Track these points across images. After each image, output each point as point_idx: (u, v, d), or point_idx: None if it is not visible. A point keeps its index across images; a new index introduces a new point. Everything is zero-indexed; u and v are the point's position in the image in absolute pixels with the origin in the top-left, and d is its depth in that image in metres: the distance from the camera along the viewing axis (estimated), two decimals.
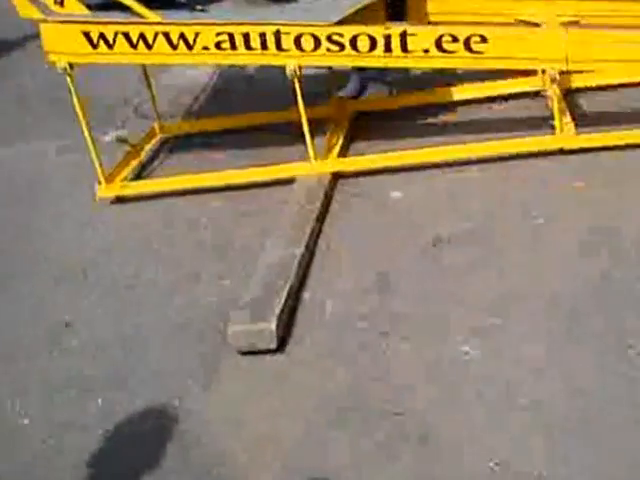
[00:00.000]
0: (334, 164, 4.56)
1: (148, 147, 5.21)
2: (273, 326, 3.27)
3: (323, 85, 5.18)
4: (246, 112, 5.39)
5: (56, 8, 4.40)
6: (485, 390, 2.90)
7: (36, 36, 6.34)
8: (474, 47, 4.22)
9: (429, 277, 3.58)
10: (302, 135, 4.43)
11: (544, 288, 3.37)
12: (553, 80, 4.23)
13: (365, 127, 5.06)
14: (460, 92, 5.14)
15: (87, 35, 4.37)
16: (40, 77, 6.46)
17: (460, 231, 3.86)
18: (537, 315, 3.22)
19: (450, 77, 5.10)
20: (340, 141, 4.75)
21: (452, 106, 5.12)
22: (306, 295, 3.61)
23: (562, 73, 4.29)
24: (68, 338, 3.64)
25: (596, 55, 4.22)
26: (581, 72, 4.74)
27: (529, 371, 2.95)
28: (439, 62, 4.33)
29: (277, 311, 3.33)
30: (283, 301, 3.41)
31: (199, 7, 4.50)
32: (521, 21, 4.89)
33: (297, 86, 4.34)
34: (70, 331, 3.68)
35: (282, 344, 3.30)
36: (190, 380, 3.22)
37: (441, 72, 4.99)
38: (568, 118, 4.41)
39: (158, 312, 3.70)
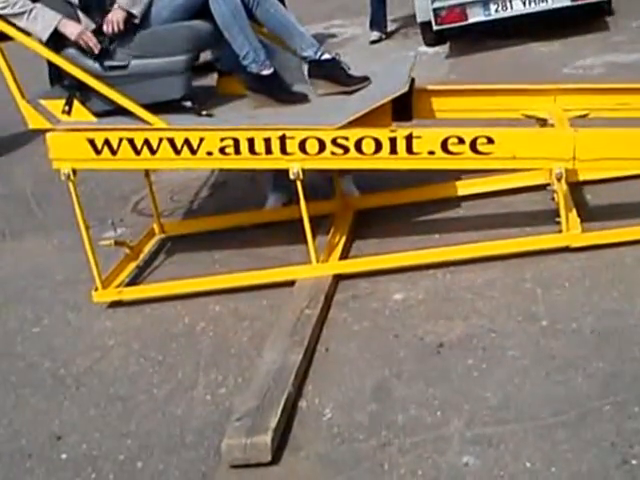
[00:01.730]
0: (335, 267, 4.63)
1: (147, 248, 5.31)
2: (268, 440, 3.29)
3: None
4: (247, 209, 5.51)
5: (64, 117, 4.57)
6: None
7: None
8: (480, 148, 4.33)
9: (430, 385, 3.59)
10: (304, 233, 4.50)
11: (547, 397, 3.38)
12: (559, 179, 4.30)
13: (367, 224, 5.15)
14: (465, 187, 5.25)
15: (91, 142, 4.52)
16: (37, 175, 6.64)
17: (463, 336, 3.90)
18: (538, 424, 3.23)
19: (454, 172, 5.17)
20: (342, 241, 4.82)
21: (456, 201, 5.21)
22: (303, 403, 3.63)
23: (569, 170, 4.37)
24: (58, 451, 3.66)
25: (604, 154, 4.32)
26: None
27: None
28: (445, 163, 4.44)
29: (273, 425, 3.35)
30: (279, 413, 3.42)
31: (205, 112, 4.65)
32: (528, 116, 5.03)
33: (300, 189, 4.44)
34: (61, 444, 3.71)
35: (277, 454, 3.31)
36: None
37: None
38: (574, 215, 4.46)
39: (151, 424, 3.72)
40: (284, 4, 5.20)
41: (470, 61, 8.71)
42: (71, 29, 4.48)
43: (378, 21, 10.43)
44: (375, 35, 10.40)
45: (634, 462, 2.94)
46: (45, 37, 4.46)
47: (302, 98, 4.78)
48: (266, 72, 4.72)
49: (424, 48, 9.53)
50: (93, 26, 4.55)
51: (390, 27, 10.67)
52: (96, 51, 4.49)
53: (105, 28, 4.50)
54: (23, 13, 4.43)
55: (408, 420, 3.39)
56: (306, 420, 3.53)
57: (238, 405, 3.58)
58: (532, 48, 8.69)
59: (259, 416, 3.42)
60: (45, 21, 4.46)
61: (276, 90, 4.76)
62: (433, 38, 9.46)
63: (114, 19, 4.48)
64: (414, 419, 3.40)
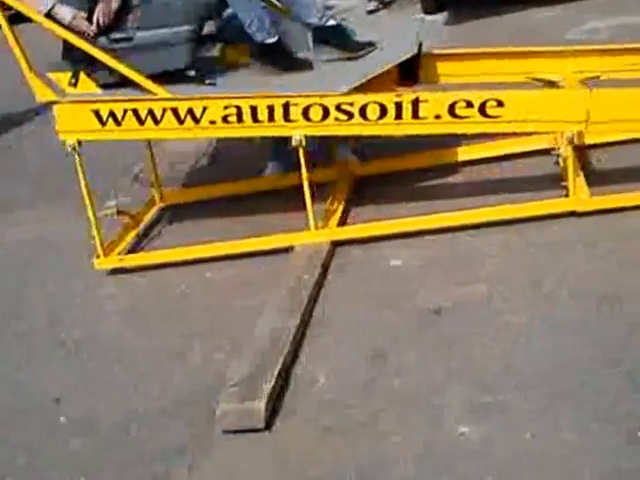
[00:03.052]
0: (334, 233, 4.56)
1: (147, 217, 5.28)
2: (262, 406, 3.23)
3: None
4: (247, 177, 5.46)
5: (70, 89, 4.61)
6: (478, 473, 2.81)
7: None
8: (490, 112, 4.23)
9: (427, 351, 3.51)
10: (303, 200, 4.44)
11: (547, 363, 3.29)
12: (570, 142, 4.21)
13: (367, 190, 5.08)
14: (468, 152, 5.16)
15: (97, 113, 4.53)
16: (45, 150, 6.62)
17: (462, 301, 3.81)
18: (539, 393, 3.14)
19: (455, 137, 5.05)
20: (340, 208, 4.77)
21: (460, 167, 5.12)
22: (298, 369, 3.57)
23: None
24: (57, 414, 3.64)
25: (619, 115, 4.22)
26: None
27: (528, 452, 2.87)
28: (453, 128, 4.35)
29: (267, 391, 3.30)
30: (274, 379, 3.37)
31: (208, 81, 4.64)
32: (537, 80, 4.92)
33: (302, 156, 4.39)
34: (60, 407, 3.69)
35: (271, 420, 3.26)
36: (176, 458, 3.19)
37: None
38: (581, 179, 4.38)
39: (148, 388, 3.69)
40: None
41: (469, 28, 8.55)
42: (63, 14, 4.51)
43: None
44: (372, 5, 10.26)
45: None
46: (43, 11, 4.48)
47: (306, 65, 4.75)
48: (270, 40, 4.68)
49: (423, 15, 9.38)
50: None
51: None
52: (91, 34, 4.53)
53: (96, 18, 4.53)
54: None
55: (403, 387, 3.32)
56: (300, 386, 3.47)
57: (233, 371, 3.53)
58: (533, 13, 8.52)
59: (253, 382, 3.37)
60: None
61: (280, 58, 4.73)
62: (432, 6, 9.28)
63: (105, 10, 4.52)
64: (410, 386, 3.32)
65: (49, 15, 4.49)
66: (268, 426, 3.23)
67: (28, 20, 4.60)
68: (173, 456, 3.21)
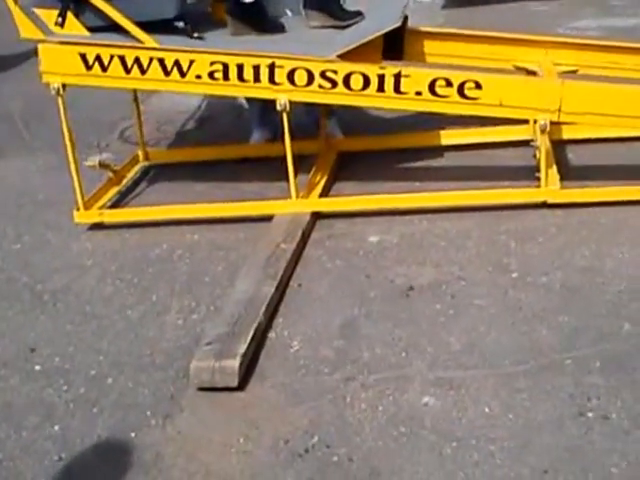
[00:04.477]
0: (314, 204, 4.71)
1: (130, 174, 5.38)
2: (236, 365, 3.39)
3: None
4: (233, 143, 5.60)
5: (56, 29, 4.56)
6: (438, 442, 3.02)
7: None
8: (468, 93, 4.36)
9: (397, 326, 3.70)
10: (286, 171, 4.58)
11: (510, 346, 3.50)
12: (543, 131, 4.37)
13: (350, 167, 5.25)
14: (449, 137, 5.35)
15: (83, 56, 4.52)
16: (27, 96, 6.70)
17: (433, 281, 4.01)
18: (499, 371, 3.36)
19: (440, 121, 5.27)
20: (323, 180, 4.91)
21: (440, 150, 5.31)
22: (272, 334, 3.74)
23: (553, 124, 4.42)
24: (32, 363, 3.76)
25: (590, 108, 4.35)
26: (573, 123, 4.83)
27: (485, 425, 3.08)
28: (431, 106, 4.46)
29: (241, 351, 3.45)
30: (249, 340, 3.53)
31: (196, 34, 4.65)
32: (518, 67, 5.10)
33: (285, 121, 4.49)
34: (34, 356, 3.81)
35: (244, 381, 3.43)
36: (149, 412, 3.34)
37: (432, 115, 5.06)
38: (554, 171, 4.55)
39: (123, 343, 3.82)
40: None
41: (465, 13, 8.75)
42: None
43: None
44: None
45: (590, 414, 3.06)
46: None
47: (281, 29, 4.81)
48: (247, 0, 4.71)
49: None
50: None
51: None
52: None
53: None
54: None
55: (373, 358, 3.51)
56: (274, 351, 3.64)
57: (208, 331, 3.68)
58: (529, 6, 8.75)
59: (228, 342, 3.53)
60: None
61: (255, 19, 4.77)
62: None
63: None
64: (379, 357, 3.51)
65: None
66: (241, 386, 3.39)
67: None
68: (147, 408, 3.36)
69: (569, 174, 4.68)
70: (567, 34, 6.64)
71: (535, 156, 4.69)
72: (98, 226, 4.90)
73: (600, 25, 7.81)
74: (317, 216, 4.69)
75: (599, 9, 8.38)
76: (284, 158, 4.57)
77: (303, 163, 4.87)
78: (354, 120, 5.59)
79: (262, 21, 4.81)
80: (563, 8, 8.52)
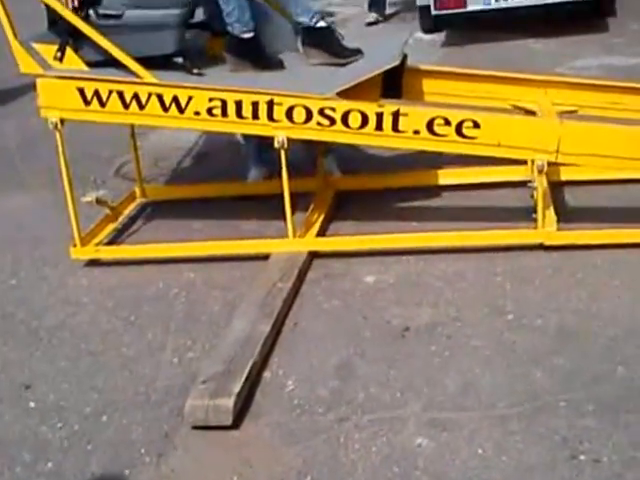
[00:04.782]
0: (311, 243, 4.77)
1: (127, 211, 5.45)
2: (231, 404, 3.45)
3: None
4: (230, 180, 5.67)
5: (55, 64, 4.62)
6: None
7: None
8: (466, 132, 4.41)
9: (393, 366, 3.76)
10: (283, 209, 4.64)
11: (505, 388, 3.55)
12: (541, 171, 4.42)
13: (347, 205, 5.32)
14: (446, 177, 5.40)
15: (81, 91, 4.58)
16: (25, 132, 6.80)
17: (429, 322, 4.08)
18: (494, 413, 3.41)
19: (438, 160, 5.33)
20: (320, 219, 4.97)
21: (437, 190, 5.37)
22: (268, 373, 3.80)
23: (551, 164, 4.47)
24: (27, 400, 3.81)
25: (588, 149, 4.40)
26: (571, 164, 4.87)
27: (478, 466, 3.14)
28: (429, 144, 4.52)
29: (236, 390, 3.51)
30: (244, 380, 3.59)
31: (195, 70, 4.72)
32: (516, 107, 5.16)
33: (283, 159, 4.54)
34: (30, 393, 3.86)
35: (238, 420, 3.48)
36: (143, 450, 3.39)
37: (429, 153, 5.08)
38: (551, 212, 4.60)
39: (118, 380, 3.88)
40: None
41: (464, 51, 8.87)
42: None
43: (377, 3, 10.57)
44: (372, 17, 10.54)
45: (582, 457, 3.11)
46: None
47: (279, 66, 4.86)
48: (247, 35, 4.78)
49: (420, 34, 9.68)
50: None
51: (388, 10, 10.82)
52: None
53: None
54: None
55: (367, 398, 3.57)
56: (269, 390, 3.70)
57: (204, 369, 3.74)
58: (528, 44, 8.86)
59: (223, 381, 3.59)
60: None
61: (253, 55, 4.82)
62: (430, 24, 9.62)
63: None
64: (373, 398, 3.57)
65: None
66: (236, 425, 3.45)
67: None
68: (141, 446, 3.41)
69: (566, 215, 4.75)
70: (566, 74, 6.72)
71: (532, 196, 4.75)
72: (95, 262, 4.96)
73: (600, 64, 7.91)
74: (314, 255, 4.75)
75: (599, 47, 8.48)
76: (281, 196, 4.64)
77: (300, 200, 4.94)
78: (352, 158, 5.67)
79: (260, 58, 4.86)
80: (563, 46, 8.62)
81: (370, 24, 10.46)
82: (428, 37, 9.55)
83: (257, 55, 4.85)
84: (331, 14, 10.95)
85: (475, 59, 8.22)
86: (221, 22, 4.89)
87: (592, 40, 8.75)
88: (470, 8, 9.07)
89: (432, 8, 9.08)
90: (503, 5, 9.02)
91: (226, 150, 6.10)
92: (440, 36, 9.59)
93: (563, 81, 5.28)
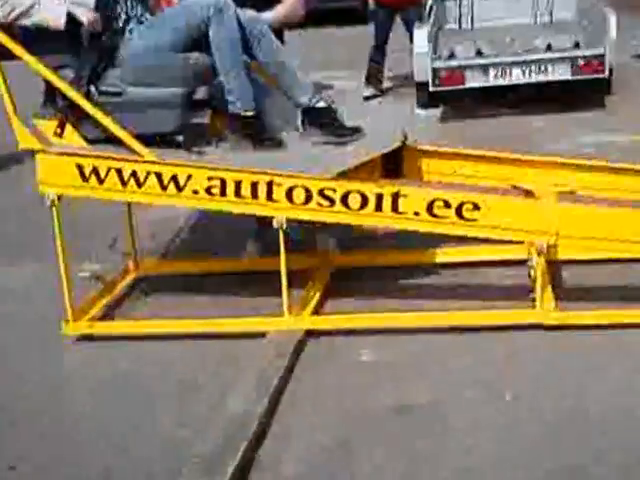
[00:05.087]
0: (308, 321, 4.78)
1: (121, 285, 5.47)
2: None
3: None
4: (226, 256, 5.71)
5: (55, 139, 4.66)
6: None
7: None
8: (466, 214, 4.45)
9: (390, 446, 3.76)
10: (279, 284, 4.65)
11: (502, 470, 3.55)
12: (540, 252, 4.45)
13: (344, 282, 5.34)
14: (444, 255, 5.43)
15: (80, 168, 4.62)
16: (20, 201, 6.86)
17: (427, 402, 4.08)
18: None
19: (436, 237, 5.32)
20: (317, 296, 5.00)
21: (435, 268, 5.41)
22: (262, 452, 3.78)
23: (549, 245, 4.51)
24: None
25: (588, 232, 4.45)
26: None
27: None
28: (429, 226, 4.56)
29: (230, 469, 3.51)
30: (238, 459, 3.58)
31: (195, 149, 4.76)
32: (515, 187, 5.20)
33: (282, 238, 4.56)
34: (15, 474, 3.81)
35: None
36: None
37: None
38: (550, 292, 4.64)
39: (108, 460, 3.84)
40: (282, 40, 5.33)
41: (461, 127, 8.98)
42: (81, 10, 4.57)
43: (374, 76, 10.74)
44: (370, 91, 10.69)
45: None
46: (63, 22, 4.50)
47: (279, 145, 4.86)
48: (248, 114, 4.81)
49: (417, 109, 9.80)
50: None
51: (385, 84, 10.96)
52: (99, 29, 4.63)
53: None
54: (32, 6, 4.47)
55: (365, 479, 3.57)
56: (263, 469, 3.68)
57: (197, 447, 3.73)
58: (525, 120, 8.98)
59: (217, 459, 3.58)
60: (56, 8, 4.53)
61: (255, 134, 4.84)
62: (428, 100, 9.70)
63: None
64: (371, 479, 3.57)
65: (70, 22, 4.51)
66: None
67: (15, 57, 4.54)
68: None
69: (564, 293, 4.79)
70: (564, 154, 6.78)
71: (530, 275, 4.78)
72: (88, 337, 4.95)
73: (596, 141, 8.01)
74: (311, 331, 4.77)
75: (595, 125, 8.60)
76: (278, 271, 4.65)
77: (297, 276, 4.96)
78: (349, 234, 5.70)
79: (262, 136, 4.88)
80: (560, 123, 8.74)
81: (367, 98, 10.61)
82: (425, 112, 9.65)
83: (258, 133, 4.87)
84: (328, 86, 11.11)
85: (473, 135, 8.35)
86: (223, 100, 4.93)
87: (590, 118, 8.89)
88: (469, 85, 9.19)
89: (430, 85, 9.16)
90: (502, 82, 9.13)
91: (221, 224, 6.13)
92: (437, 111, 9.69)
93: (562, 162, 5.31)
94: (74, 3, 4.58)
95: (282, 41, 5.30)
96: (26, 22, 4.51)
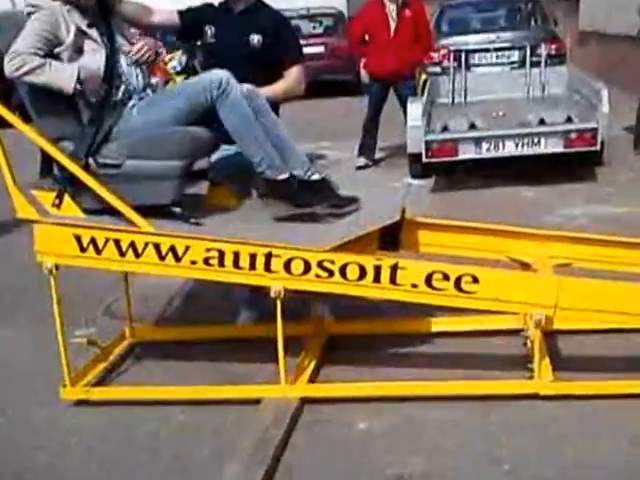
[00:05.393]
0: (303, 389, 4.75)
1: (117, 350, 5.44)
2: None
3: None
4: (220, 323, 5.70)
5: (53, 210, 4.66)
6: None
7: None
8: (464, 287, 4.45)
9: None
10: (275, 351, 4.62)
11: None
12: (537, 324, 4.45)
13: (339, 350, 5.33)
14: (439, 324, 5.42)
15: (78, 238, 4.61)
16: (16, 266, 6.85)
17: (423, 471, 4.05)
18: None
19: (430, 306, 5.34)
20: (312, 364, 4.97)
21: (429, 337, 5.40)
22: None
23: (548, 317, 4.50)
24: None
25: (587, 305, 4.46)
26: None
27: None
28: (427, 298, 4.55)
29: None
30: None
31: (193, 220, 4.75)
32: (512, 259, 5.24)
33: (279, 309, 4.55)
34: None
35: None
36: None
37: None
38: (547, 363, 4.63)
39: None
40: (277, 113, 5.34)
41: (453, 198, 9.03)
42: (90, 73, 4.59)
43: (367, 147, 10.81)
44: (362, 161, 10.76)
45: None
46: (72, 86, 4.51)
47: (323, 203, 4.82)
48: (282, 176, 4.79)
49: (409, 179, 9.85)
50: None
51: (378, 154, 11.03)
52: (99, 98, 4.64)
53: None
54: (44, 65, 4.46)
55: None
56: None
57: None
58: (518, 191, 9.02)
59: None
60: (67, 70, 4.53)
61: (294, 193, 4.81)
62: (420, 170, 9.76)
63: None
64: None
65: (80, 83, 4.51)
66: None
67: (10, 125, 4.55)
68: None
69: (560, 363, 4.77)
70: (558, 225, 6.84)
71: (525, 344, 4.78)
72: (84, 402, 4.92)
73: (589, 212, 8.05)
74: (306, 399, 4.73)
75: (586, 196, 8.65)
76: (272, 339, 4.63)
77: (292, 343, 4.91)
78: (344, 302, 5.68)
79: (301, 195, 4.81)
80: (553, 194, 8.79)
81: (360, 168, 10.67)
82: (417, 182, 9.69)
83: (298, 193, 4.82)
84: (321, 157, 11.19)
85: (465, 206, 8.38)
86: (220, 172, 5.07)
87: (581, 189, 8.94)
88: (462, 157, 9.24)
89: (424, 156, 9.21)
90: (494, 155, 9.20)
91: (216, 290, 6.13)
92: (429, 181, 9.74)
93: (558, 235, 5.35)
94: (83, 68, 4.58)
95: (277, 113, 5.32)
96: (34, 80, 4.48)
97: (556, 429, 4.34)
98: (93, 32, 4.69)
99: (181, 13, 5.43)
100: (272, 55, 5.28)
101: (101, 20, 4.76)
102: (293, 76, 5.36)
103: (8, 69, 4.45)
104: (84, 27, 4.66)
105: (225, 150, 5.15)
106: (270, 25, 5.34)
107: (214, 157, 5.26)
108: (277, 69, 5.31)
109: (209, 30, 5.36)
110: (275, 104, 5.31)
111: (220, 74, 4.73)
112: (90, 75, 4.59)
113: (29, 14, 4.65)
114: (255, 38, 5.27)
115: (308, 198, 4.84)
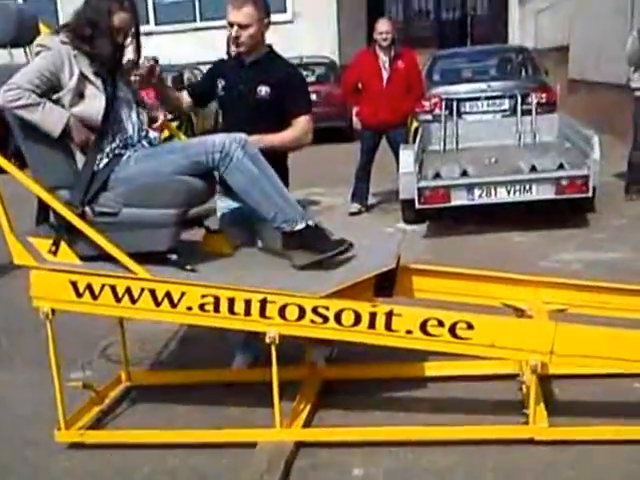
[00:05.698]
0: (298, 434, 4.73)
1: (112, 394, 5.42)
2: None
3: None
4: (215, 367, 5.67)
5: (49, 257, 4.65)
6: None
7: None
8: (460, 333, 4.43)
9: None
10: (269, 395, 4.60)
11: None
12: (533, 370, 4.43)
13: (334, 394, 5.30)
14: (434, 369, 5.41)
15: (74, 284, 4.61)
16: (10, 309, 6.82)
17: None
18: None
19: (425, 351, 5.33)
20: (307, 409, 4.94)
21: (424, 382, 5.37)
22: None
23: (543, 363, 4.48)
24: None
25: (583, 351, 4.44)
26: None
27: None
28: (422, 344, 4.52)
29: None
30: None
31: (189, 267, 4.73)
32: (507, 305, 5.23)
33: (274, 354, 4.53)
34: None
35: None
36: None
37: None
38: (542, 408, 4.61)
39: None
40: (285, 161, 5.47)
41: (446, 243, 9.03)
42: (77, 129, 4.60)
43: (360, 193, 10.81)
44: (355, 207, 10.76)
45: None
46: (58, 131, 4.54)
47: (343, 246, 4.75)
48: (299, 227, 4.76)
49: (402, 225, 9.87)
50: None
51: (370, 200, 11.04)
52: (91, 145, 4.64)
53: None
54: (38, 104, 4.48)
55: None
56: None
57: None
58: (510, 237, 9.03)
59: None
60: (58, 114, 4.54)
61: (315, 241, 4.77)
62: (413, 216, 9.77)
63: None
64: None
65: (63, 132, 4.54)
66: None
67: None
68: None
69: (556, 408, 4.75)
70: (550, 271, 6.84)
71: (521, 389, 4.76)
72: (78, 445, 4.88)
73: (582, 258, 8.06)
74: (301, 443, 4.71)
75: (579, 242, 8.66)
76: (267, 383, 4.61)
77: (287, 387, 4.92)
78: (339, 346, 5.67)
79: (322, 241, 4.77)
80: (545, 240, 8.79)
81: (353, 214, 10.67)
82: (410, 228, 9.70)
83: (319, 240, 4.78)
84: (314, 203, 11.22)
85: (458, 251, 8.41)
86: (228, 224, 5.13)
87: (573, 235, 8.95)
88: (454, 203, 9.23)
89: (417, 203, 9.21)
90: (487, 201, 9.21)
91: (211, 334, 6.08)
92: (422, 227, 9.74)
93: (552, 282, 5.34)
94: (78, 117, 4.61)
95: (285, 162, 5.46)
96: (25, 115, 4.49)
97: (552, 475, 4.31)
98: (97, 80, 4.69)
99: (190, 87, 5.74)
100: (280, 106, 5.28)
101: (108, 70, 4.76)
102: (301, 125, 5.34)
103: (3, 99, 4.47)
104: (89, 74, 4.67)
105: (229, 203, 5.24)
106: (280, 76, 5.32)
107: (220, 211, 5.37)
108: (285, 118, 5.31)
109: (219, 83, 5.41)
110: (283, 153, 5.37)
111: (222, 138, 4.72)
112: (78, 125, 4.61)
113: (37, 53, 4.67)
114: (263, 89, 5.26)
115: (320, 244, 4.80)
